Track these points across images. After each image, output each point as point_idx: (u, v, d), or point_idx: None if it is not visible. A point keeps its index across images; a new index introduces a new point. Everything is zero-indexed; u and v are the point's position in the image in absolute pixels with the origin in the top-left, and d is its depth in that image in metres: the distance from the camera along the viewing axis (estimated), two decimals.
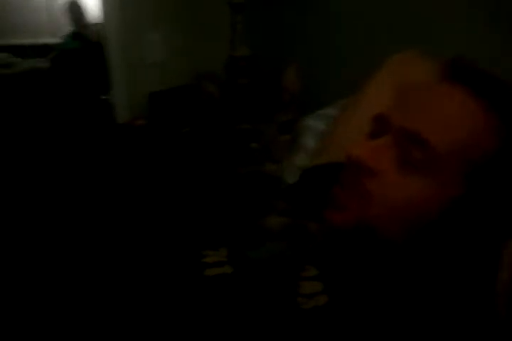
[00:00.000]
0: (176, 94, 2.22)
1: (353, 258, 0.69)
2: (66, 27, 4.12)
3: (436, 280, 0.64)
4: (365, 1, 1.71)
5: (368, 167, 0.70)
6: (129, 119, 1.89)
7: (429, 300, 0.62)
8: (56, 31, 4.38)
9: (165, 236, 0.73)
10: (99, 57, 2.55)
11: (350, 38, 1.76)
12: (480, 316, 0.60)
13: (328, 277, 0.66)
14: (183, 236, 0.73)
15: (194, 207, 0.75)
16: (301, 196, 0.84)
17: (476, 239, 0.68)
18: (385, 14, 1.61)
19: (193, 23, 2.40)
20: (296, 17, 2.02)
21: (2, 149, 0.93)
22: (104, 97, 2.89)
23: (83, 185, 0.81)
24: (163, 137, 1.02)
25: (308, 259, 0.70)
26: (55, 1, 4.35)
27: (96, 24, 3.64)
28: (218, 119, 0.72)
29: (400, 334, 0.59)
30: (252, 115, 0.69)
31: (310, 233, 0.73)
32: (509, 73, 0.71)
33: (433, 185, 0.69)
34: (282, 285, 0.65)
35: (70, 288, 0.64)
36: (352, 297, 0.63)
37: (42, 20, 4.55)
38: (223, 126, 0.71)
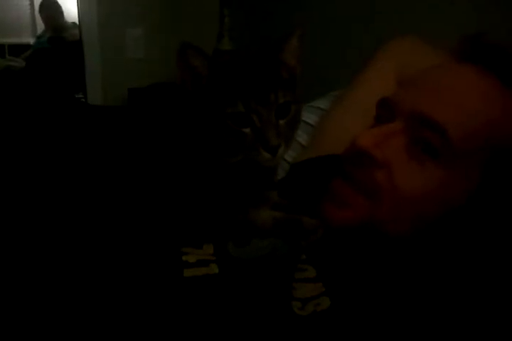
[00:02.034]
0: (156, 90, 2.13)
1: (357, 256, 0.61)
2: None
3: (450, 277, 0.57)
4: None
5: (375, 157, 0.63)
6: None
7: (443, 302, 0.54)
8: (39, 31, 4.31)
9: (137, 230, 0.63)
10: (76, 56, 2.46)
11: (343, 31, 1.71)
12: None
13: (329, 278, 0.58)
14: (159, 230, 0.63)
15: (173, 198, 0.65)
16: (294, 190, 0.76)
17: (493, 235, 0.62)
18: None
19: (178, 18, 2.33)
20: (285, 12, 1.96)
21: None
22: (78, 96, 2.81)
23: (54, 179, 0.73)
24: (142, 121, 0.92)
25: (305, 259, 0.61)
26: (38, 1, 4.24)
27: (75, 24, 3.56)
28: (205, 100, 0.61)
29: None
30: (244, 95, 0.58)
31: (306, 229, 0.64)
32: None
33: (450, 176, 0.62)
34: (274, 288, 0.56)
35: (36, 288, 0.55)
36: (359, 300, 0.55)
37: (24, 20, 4.46)
38: (211, 108, 0.60)
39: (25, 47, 4.08)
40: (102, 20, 2.23)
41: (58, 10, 3.97)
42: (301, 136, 1.01)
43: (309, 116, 1.05)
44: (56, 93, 3.03)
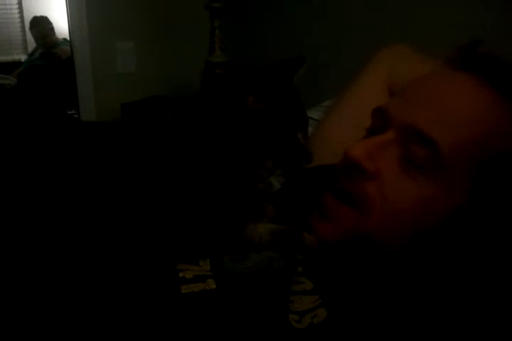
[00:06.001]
0: (149, 104, 2.14)
1: (352, 268, 0.61)
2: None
3: (440, 288, 0.57)
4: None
5: (366, 168, 0.63)
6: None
7: (435, 312, 0.54)
8: (30, 48, 4.31)
9: (132, 246, 0.62)
10: (68, 73, 2.47)
11: (334, 41, 1.73)
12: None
13: (325, 290, 0.58)
14: (155, 247, 0.63)
15: (168, 214, 0.65)
16: (289, 202, 0.76)
17: (481, 248, 0.62)
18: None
19: (169, 31, 2.34)
20: (275, 23, 1.98)
21: None
22: (71, 112, 2.81)
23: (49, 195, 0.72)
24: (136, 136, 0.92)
25: (302, 272, 0.61)
26: (28, 18, 4.24)
27: (66, 40, 3.57)
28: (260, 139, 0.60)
29: None
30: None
31: (304, 242, 0.64)
32: None
33: (440, 190, 0.61)
34: (271, 301, 0.56)
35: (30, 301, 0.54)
36: (354, 310, 0.55)
37: (15, 37, 4.47)
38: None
39: (17, 64, 4.09)
40: (92, 35, 2.24)
41: (49, 26, 3.98)
42: None
43: None
44: (49, 110, 3.03)
